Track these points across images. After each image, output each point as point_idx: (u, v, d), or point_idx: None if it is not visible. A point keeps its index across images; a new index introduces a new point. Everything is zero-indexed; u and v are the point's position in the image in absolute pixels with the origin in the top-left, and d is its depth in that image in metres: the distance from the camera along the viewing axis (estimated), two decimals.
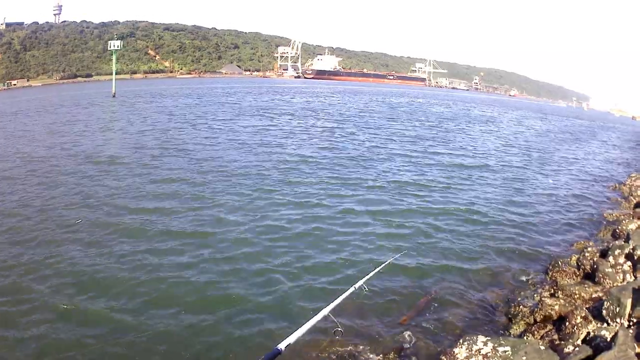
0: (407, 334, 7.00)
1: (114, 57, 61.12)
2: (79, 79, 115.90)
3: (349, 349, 6.67)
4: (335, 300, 2.83)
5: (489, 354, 5.48)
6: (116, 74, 59.95)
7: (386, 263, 5.66)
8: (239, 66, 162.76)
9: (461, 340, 5.90)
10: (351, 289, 3.47)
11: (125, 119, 32.39)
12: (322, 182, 15.84)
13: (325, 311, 2.58)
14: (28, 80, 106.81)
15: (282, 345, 1.90)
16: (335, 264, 9.59)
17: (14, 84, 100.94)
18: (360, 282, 3.70)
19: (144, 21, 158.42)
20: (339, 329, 2.73)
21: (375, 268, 4.95)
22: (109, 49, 63.79)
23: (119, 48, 60.22)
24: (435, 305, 8.05)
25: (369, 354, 6.52)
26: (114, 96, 52.16)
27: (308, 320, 2.28)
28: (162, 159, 18.56)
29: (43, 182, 14.97)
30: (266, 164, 18.27)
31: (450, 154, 23.74)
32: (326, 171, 17.60)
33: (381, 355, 6.48)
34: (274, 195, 14.09)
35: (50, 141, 22.34)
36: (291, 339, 1.98)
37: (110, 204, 12.73)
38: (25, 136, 24.21)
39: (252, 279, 8.75)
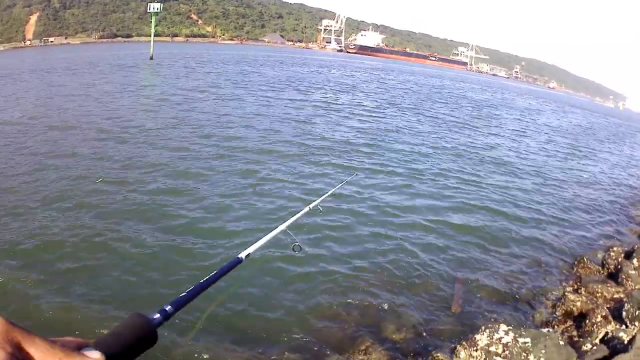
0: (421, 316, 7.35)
1: (153, 20, 61.51)
2: (119, 39, 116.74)
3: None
4: (293, 217, 2.91)
5: (509, 344, 5.69)
6: (157, 36, 60.57)
7: (338, 186, 5.74)
8: (282, 36, 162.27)
9: (483, 327, 6.11)
10: (306, 209, 3.51)
11: (156, 83, 32.68)
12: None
13: (283, 226, 2.68)
14: (66, 38, 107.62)
15: (242, 255, 1.99)
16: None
17: (51, 41, 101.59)
18: (316, 202, 3.82)
19: None
20: (297, 244, 2.86)
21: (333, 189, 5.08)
22: (148, 11, 64.07)
23: (159, 11, 60.38)
24: (464, 289, 8.35)
25: (388, 327, 6.93)
26: (151, 58, 52.68)
27: (267, 234, 2.38)
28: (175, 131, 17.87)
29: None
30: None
31: (486, 143, 23.67)
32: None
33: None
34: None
35: (74, 102, 22.68)
36: (251, 249, 2.08)
37: (125, 166, 13.11)
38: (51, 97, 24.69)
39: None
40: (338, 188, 5.16)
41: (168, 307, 1.29)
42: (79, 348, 0.90)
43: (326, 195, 4.45)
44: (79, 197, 10.63)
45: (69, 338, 0.91)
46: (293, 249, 2.92)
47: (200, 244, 8.98)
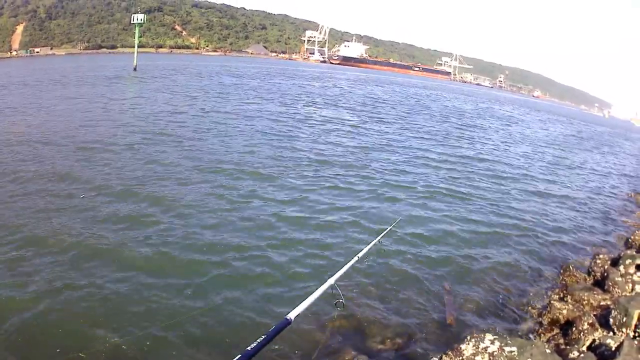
0: (414, 322, 7.21)
1: (137, 31, 61.33)
2: (103, 50, 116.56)
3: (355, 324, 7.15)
4: (340, 271, 2.85)
5: (495, 353, 5.56)
6: (141, 47, 60.39)
7: (386, 231, 5.67)
8: (265, 47, 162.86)
9: (468, 337, 6.00)
10: (355, 259, 3.52)
11: (137, 95, 32.29)
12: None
13: (331, 281, 2.64)
14: (51, 49, 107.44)
15: (291, 315, 1.92)
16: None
17: (37, 52, 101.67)
18: (362, 253, 3.79)
19: None
20: (341, 301, 2.74)
21: (376, 238, 5.01)
22: (132, 22, 63.89)
23: (142, 22, 60.21)
24: (454, 300, 8.21)
25: (375, 336, 6.77)
26: (135, 69, 52.42)
27: (315, 291, 2.31)
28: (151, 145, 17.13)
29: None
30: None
31: (471, 150, 23.75)
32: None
33: (389, 342, 6.71)
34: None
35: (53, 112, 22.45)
36: (299, 309, 2.01)
37: (105, 184, 12.37)
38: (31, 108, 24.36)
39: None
40: (381, 237, 5.09)
41: None
42: None
43: (373, 243, 4.39)
44: (61, 214, 10.35)
45: None
46: (336, 305, 2.77)
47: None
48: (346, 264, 3.11)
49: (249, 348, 1.44)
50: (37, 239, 8.89)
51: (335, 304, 2.74)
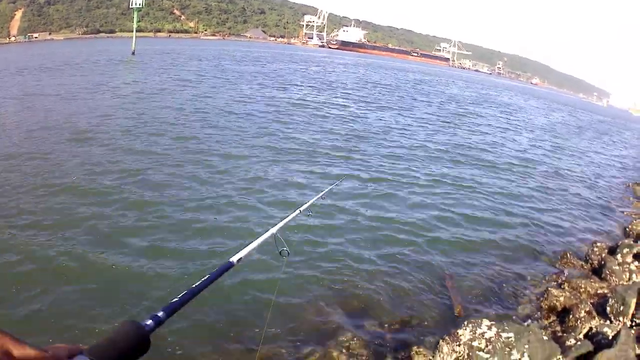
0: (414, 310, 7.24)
1: (135, 16, 60.89)
2: (102, 34, 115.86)
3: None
4: (283, 221, 2.94)
5: (492, 339, 5.60)
6: (140, 31, 59.95)
7: (327, 190, 5.65)
8: (264, 31, 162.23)
9: (466, 322, 6.03)
10: (296, 212, 3.57)
11: (135, 79, 31.99)
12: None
13: (273, 229, 2.72)
14: (50, 34, 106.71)
15: (234, 259, 2.04)
16: None
17: (35, 37, 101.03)
18: (304, 207, 3.85)
19: None
20: (285, 249, 2.81)
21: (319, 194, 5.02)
22: (130, 6, 63.40)
23: (141, 7, 59.76)
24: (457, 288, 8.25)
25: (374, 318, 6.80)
26: (133, 54, 52.21)
27: (257, 238, 2.42)
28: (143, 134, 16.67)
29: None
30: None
31: (469, 141, 23.71)
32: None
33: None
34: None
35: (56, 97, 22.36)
36: (242, 253, 2.12)
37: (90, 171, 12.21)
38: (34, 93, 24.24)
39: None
40: (326, 192, 5.08)
41: (160, 313, 1.29)
42: (70, 356, 0.88)
43: (315, 198, 4.45)
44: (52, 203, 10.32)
45: (61, 345, 0.90)
46: (280, 254, 2.82)
47: (188, 249, 8.69)
48: (288, 215, 3.25)
49: (193, 286, 1.55)
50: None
51: (280, 252, 2.80)
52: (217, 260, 8.08)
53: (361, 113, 26.59)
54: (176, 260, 8.14)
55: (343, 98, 32.58)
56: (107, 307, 6.66)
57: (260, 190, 11.93)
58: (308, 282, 7.85)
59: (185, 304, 1.45)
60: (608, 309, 6.31)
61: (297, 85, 37.04)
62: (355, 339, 6.33)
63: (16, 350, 0.72)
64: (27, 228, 8.74)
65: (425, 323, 7.03)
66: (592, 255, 9.12)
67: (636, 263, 8.38)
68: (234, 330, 6.49)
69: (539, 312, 7.40)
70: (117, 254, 8.13)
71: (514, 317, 7.30)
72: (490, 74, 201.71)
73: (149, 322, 1.20)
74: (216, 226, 9.72)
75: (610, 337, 5.47)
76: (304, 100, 28.68)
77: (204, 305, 6.76)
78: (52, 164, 12.36)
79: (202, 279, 1.62)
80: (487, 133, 26.53)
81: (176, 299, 1.41)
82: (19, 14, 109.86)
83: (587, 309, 6.47)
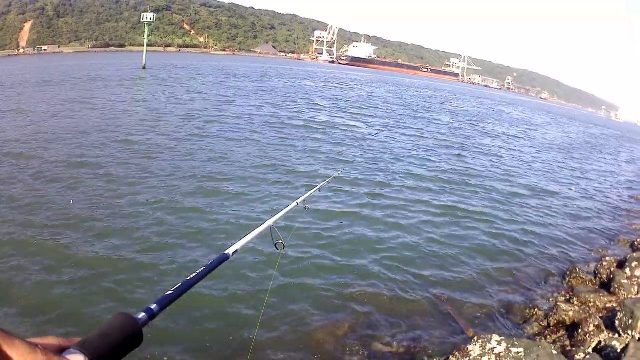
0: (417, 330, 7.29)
1: (146, 30, 61.62)
2: (112, 48, 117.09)
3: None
4: (279, 214, 2.89)
5: (502, 354, 5.61)
6: (150, 46, 60.53)
7: (328, 179, 5.62)
8: (274, 47, 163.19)
9: (475, 338, 6.05)
10: (293, 204, 3.49)
11: (147, 94, 32.49)
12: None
13: (270, 222, 2.66)
14: (59, 47, 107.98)
15: (229, 251, 1.99)
16: None
17: (45, 49, 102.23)
18: (301, 199, 3.79)
19: None
20: (281, 242, 2.78)
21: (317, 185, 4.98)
22: (141, 21, 64.16)
23: (152, 21, 60.51)
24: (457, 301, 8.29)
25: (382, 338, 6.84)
26: (144, 68, 52.83)
27: (253, 230, 2.36)
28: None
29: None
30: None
31: (480, 153, 23.78)
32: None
33: None
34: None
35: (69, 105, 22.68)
36: (237, 246, 2.07)
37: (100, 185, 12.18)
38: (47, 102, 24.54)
39: None
40: (324, 184, 5.02)
41: (154, 306, 1.25)
42: (61, 350, 0.87)
43: (313, 190, 4.36)
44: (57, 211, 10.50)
45: (51, 339, 0.88)
46: (276, 247, 2.83)
47: (184, 243, 8.96)
48: (285, 207, 3.21)
49: (188, 278, 1.50)
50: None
51: (276, 245, 2.77)
52: (212, 252, 8.40)
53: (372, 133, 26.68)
54: (170, 252, 8.44)
55: (353, 118, 32.75)
56: (100, 300, 6.85)
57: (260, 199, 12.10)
58: (303, 283, 8.04)
59: (180, 297, 1.42)
60: (617, 322, 6.33)
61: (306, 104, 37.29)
62: (364, 355, 6.38)
63: (4, 344, 0.71)
64: (26, 226, 9.05)
65: (434, 339, 7.04)
66: (601, 270, 9.12)
67: None
68: (227, 329, 6.62)
69: (548, 327, 7.42)
70: (110, 248, 8.45)
71: (523, 332, 7.33)
72: (500, 89, 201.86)
73: (142, 315, 1.18)
74: (213, 220, 10.13)
75: (619, 351, 5.49)
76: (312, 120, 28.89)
77: (198, 299, 6.89)
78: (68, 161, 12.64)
79: (197, 272, 1.59)
80: (500, 147, 26.59)
81: (170, 292, 1.38)
82: (28, 26, 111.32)
83: (596, 323, 6.50)
